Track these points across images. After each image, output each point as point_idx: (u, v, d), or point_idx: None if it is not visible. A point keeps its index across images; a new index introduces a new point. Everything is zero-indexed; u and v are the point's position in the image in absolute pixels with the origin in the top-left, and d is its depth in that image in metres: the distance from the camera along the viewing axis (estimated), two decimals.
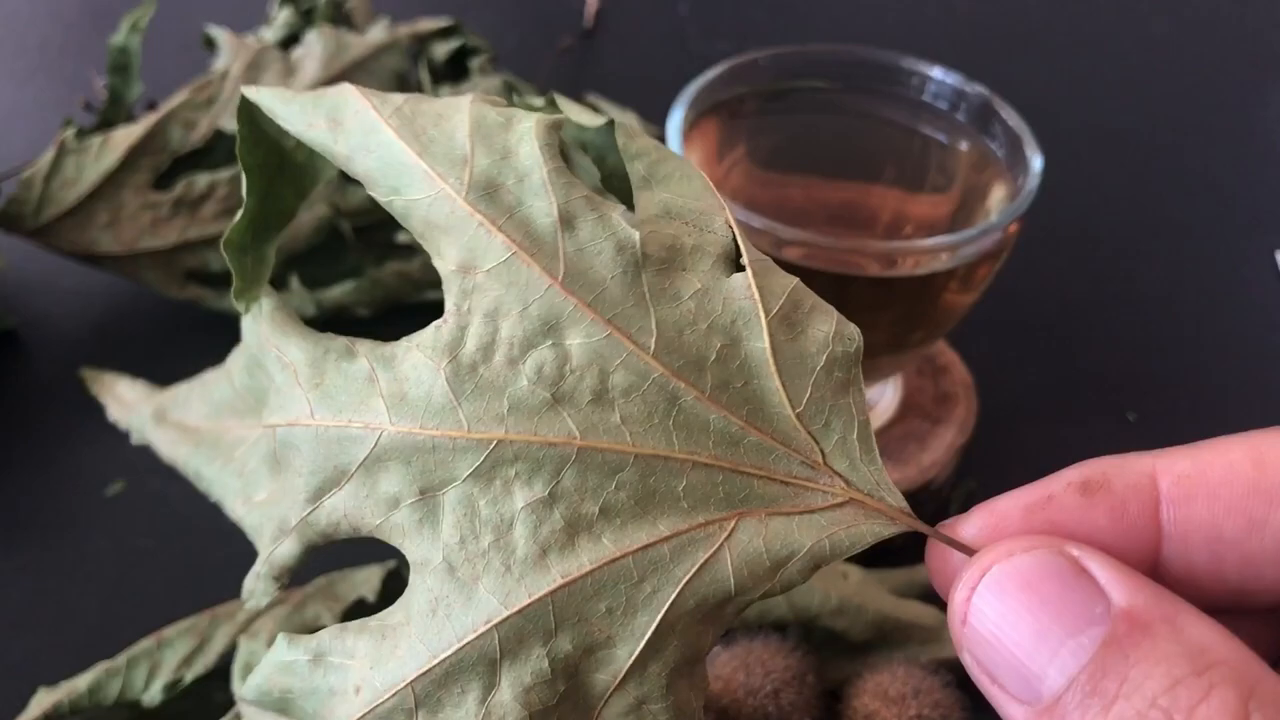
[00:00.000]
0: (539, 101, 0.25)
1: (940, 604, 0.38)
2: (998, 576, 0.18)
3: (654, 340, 0.20)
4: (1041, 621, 0.17)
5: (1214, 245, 0.60)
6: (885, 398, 0.46)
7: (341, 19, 0.55)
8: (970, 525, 0.20)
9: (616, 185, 0.24)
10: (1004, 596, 0.18)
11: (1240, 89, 0.73)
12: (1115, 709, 0.16)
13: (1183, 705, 0.16)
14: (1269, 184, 0.65)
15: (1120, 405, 0.51)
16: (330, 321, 0.51)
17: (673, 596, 0.19)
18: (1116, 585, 0.17)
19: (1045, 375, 0.52)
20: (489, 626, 0.19)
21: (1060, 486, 0.20)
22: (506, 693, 0.19)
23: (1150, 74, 0.74)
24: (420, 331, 0.21)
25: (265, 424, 0.23)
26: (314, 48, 0.51)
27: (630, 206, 0.21)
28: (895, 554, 0.37)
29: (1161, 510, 0.20)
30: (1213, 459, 0.20)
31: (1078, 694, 0.17)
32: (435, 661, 0.19)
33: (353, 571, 0.38)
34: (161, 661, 0.36)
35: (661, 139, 0.27)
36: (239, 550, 0.43)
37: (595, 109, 0.56)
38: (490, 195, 0.20)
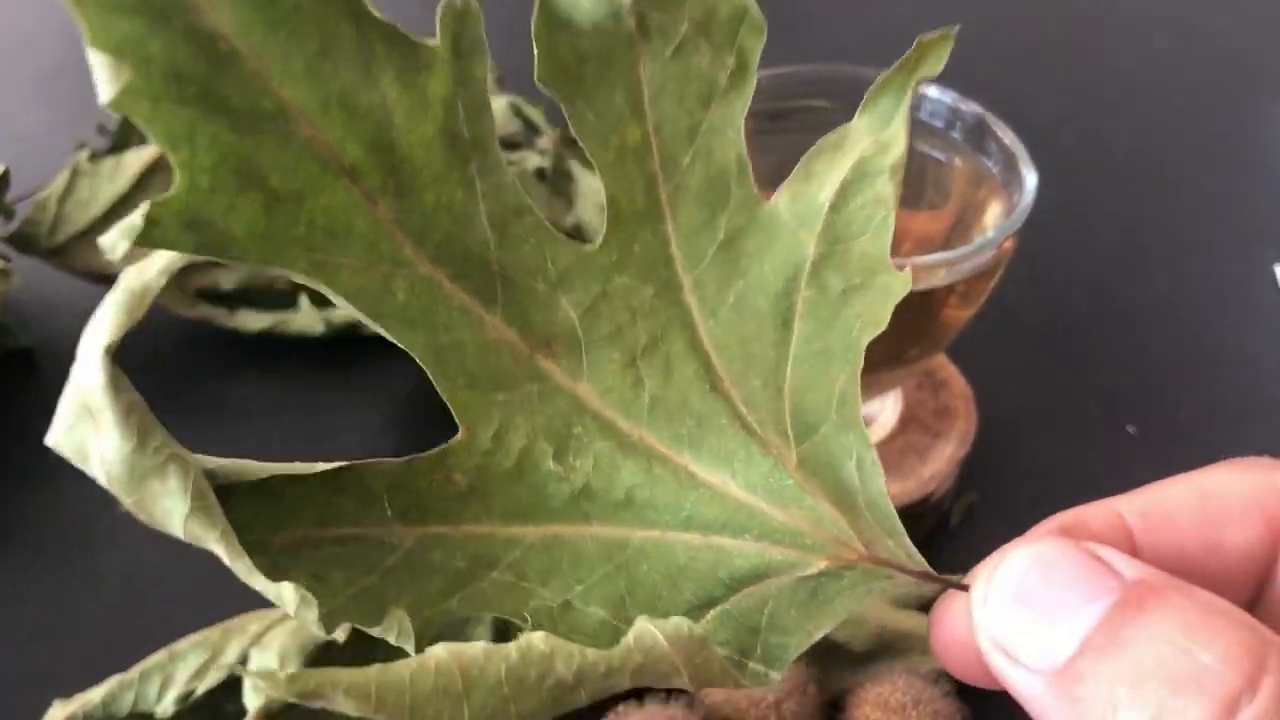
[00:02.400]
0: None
1: None
2: (1017, 559, 0.19)
3: None
4: (1059, 593, 0.18)
5: (1213, 259, 0.60)
6: (885, 412, 0.47)
7: None
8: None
9: None
10: (1023, 574, 0.19)
11: (1238, 104, 0.73)
12: (1132, 651, 0.17)
13: (1200, 639, 0.17)
14: (1268, 198, 0.65)
15: (1120, 418, 0.51)
16: (339, 339, 0.52)
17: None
18: (1127, 564, 0.18)
19: (1045, 388, 0.53)
20: None
21: (1043, 533, 0.21)
22: None
23: (1149, 90, 0.74)
24: None
25: None
26: None
27: None
28: None
29: (1136, 541, 0.21)
30: (1161, 494, 0.22)
31: (1094, 647, 0.17)
32: None
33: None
34: (174, 674, 0.36)
35: None
36: None
37: None
38: None
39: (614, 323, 0.21)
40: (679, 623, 0.19)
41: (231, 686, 0.36)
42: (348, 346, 0.53)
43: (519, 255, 0.21)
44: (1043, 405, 0.52)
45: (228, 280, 0.51)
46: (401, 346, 0.20)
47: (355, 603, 0.19)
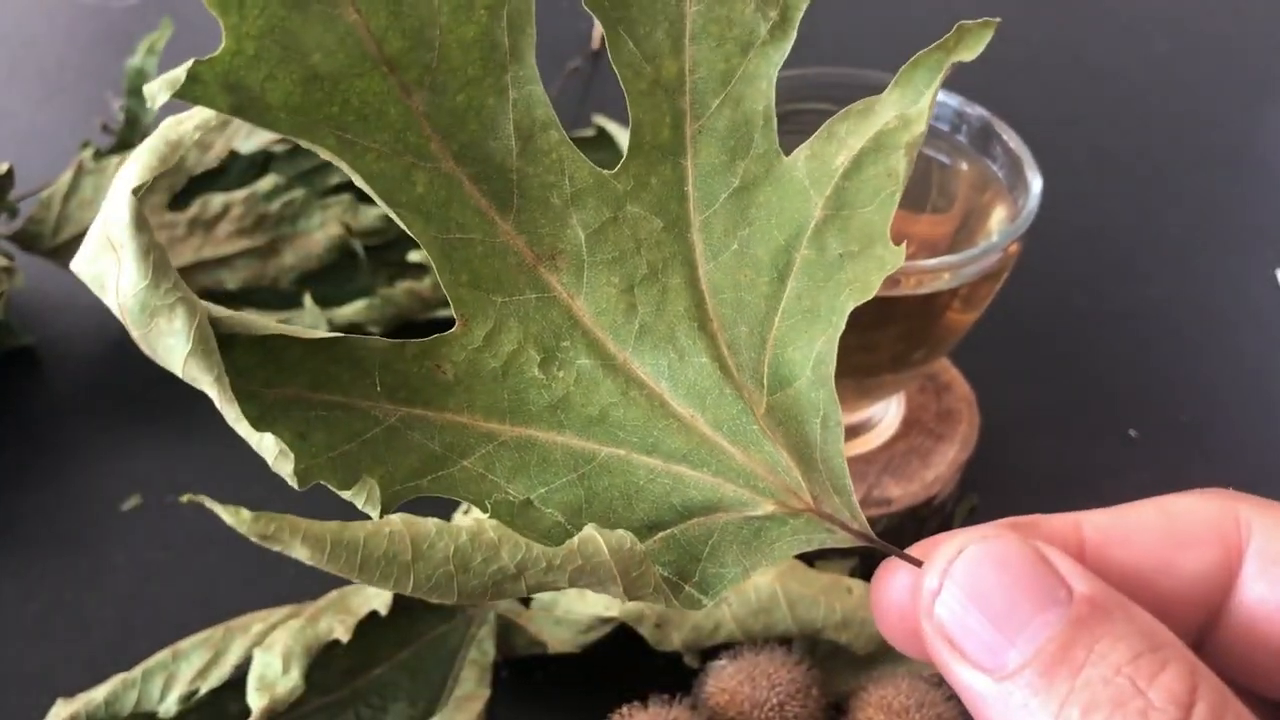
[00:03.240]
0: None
1: None
2: (974, 555, 0.20)
3: None
4: (1013, 596, 0.19)
5: (1214, 263, 0.61)
6: (888, 415, 0.47)
7: None
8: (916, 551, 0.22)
9: None
10: (980, 573, 0.20)
11: (1240, 108, 0.74)
12: (1083, 675, 0.18)
13: (1145, 674, 0.18)
14: (1268, 202, 0.65)
15: (1122, 422, 0.51)
16: None
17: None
18: (1075, 575, 0.19)
19: (1047, 392, 0.53)
20: None
21: (993, 527, 0.22)
22: None
23: (1150, 93, 0.74)
24: None
25: None
26: None
27: None
28: None
29: (1085, 555, 0.22)
30: (1127, 513, 0.23)
31: (1044, 662, 0.18)
32: None
33: (364, 585, 0.39)
34: (177, 673, 0.36)
35: None
36: (252, 564, 0.44)
37: (603, 129, 0.57)
38: None
39: (619, 248, 0.22)
40: (622, 535, 0.20)
41: (235, 686, 0.36)
42: None
43: (539, 168, 0.22)
44: (1045, 409, 0.52)
45: (232, 280, 0.51)
46: (411, 235, 0.21)
47: (332, 465, 0.20)
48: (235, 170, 0.52)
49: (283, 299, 0.52)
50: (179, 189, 0.51)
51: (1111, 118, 0.72)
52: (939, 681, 0.37)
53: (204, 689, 0.36)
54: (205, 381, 0.19)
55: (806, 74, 0.43)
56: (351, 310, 0.51)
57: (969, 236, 0.42)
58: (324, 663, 0.37)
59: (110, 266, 0.19)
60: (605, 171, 0.22)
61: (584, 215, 0.22)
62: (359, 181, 0.20)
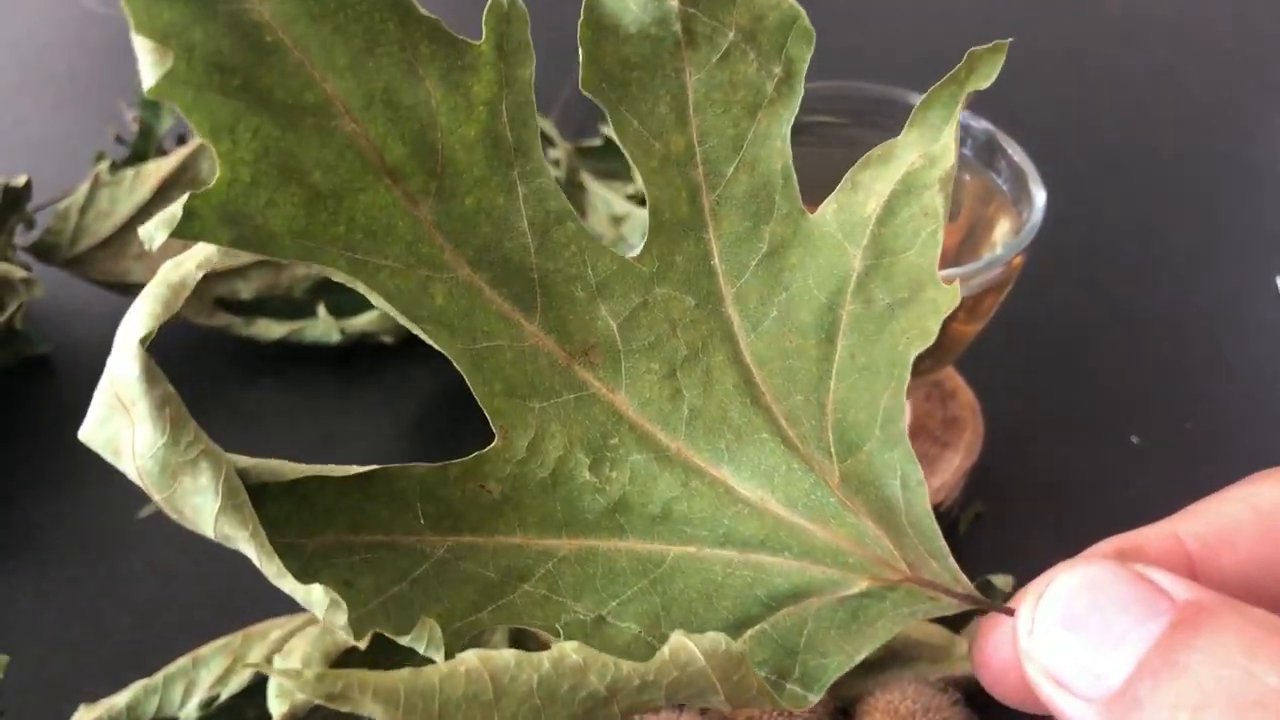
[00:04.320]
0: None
1: (951, 625, 0.39)
2: (1064, 582, 0.18)
3: None
4: (1108, 616, 0.18)
5: (1216, 270, 0.61)
6: None
7: None
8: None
9: None
10: (1071, 598, 0.18)
11: (1242, 115, 0.74)
12: (1190, 674, 0.16)
13: (1262, 659, 0.16)
14: (1271, 210, 0.65)
15: (1125, 429, 0.51)
16: (355, 347, 0.53)
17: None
18: (1178, 585, 0.18)
19: (1051, 399, 0.53)
20: None
21: (1098, 555, 0.21)
22: None
23: (1153, 101, 0.75)
24: None
25: None
26: None
27: None
28: None
29: (1195, 569, 0.21)
30: (1218, 514, 0.21)
31: (1149, 672, 0.17)
32: None
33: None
34: (197, 679, 0.37)
35: None
36: None
37: (610, 139, 0.58)
38: None
39: (654, 333, 0.21)
40: (716, 638, 0.18)
41: (254, 692, 0.36)
42: (363, 355, 0.53)
43: (559, 262, 0.20)
44: (1049, 416, 0.52)
45: (246, 289, 0.52)
46: (439, 350, 0.20)
47: (385, 610, 0.19)
48: None
49: (296, 308, 0.52)
50: None
51: (1114, 125, 0.72)
52: (945, 687, 0.37)
53: (224, 695, 0.36)
54: (240, 539, 0.17)
55: (814, 87, 0.43)
56: (365, 320, 0.51)
57: (974, 249, 0.42)
58: (341, 668, 0.37)
59: (124, 428, 0.17)
60: (628, 256, 0.21)
61: (612, 304, 0.21)
62: (378, 303, 0.19)
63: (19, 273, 0.48)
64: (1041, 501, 0.48)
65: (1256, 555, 0.21)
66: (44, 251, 0.51)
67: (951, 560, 0.20)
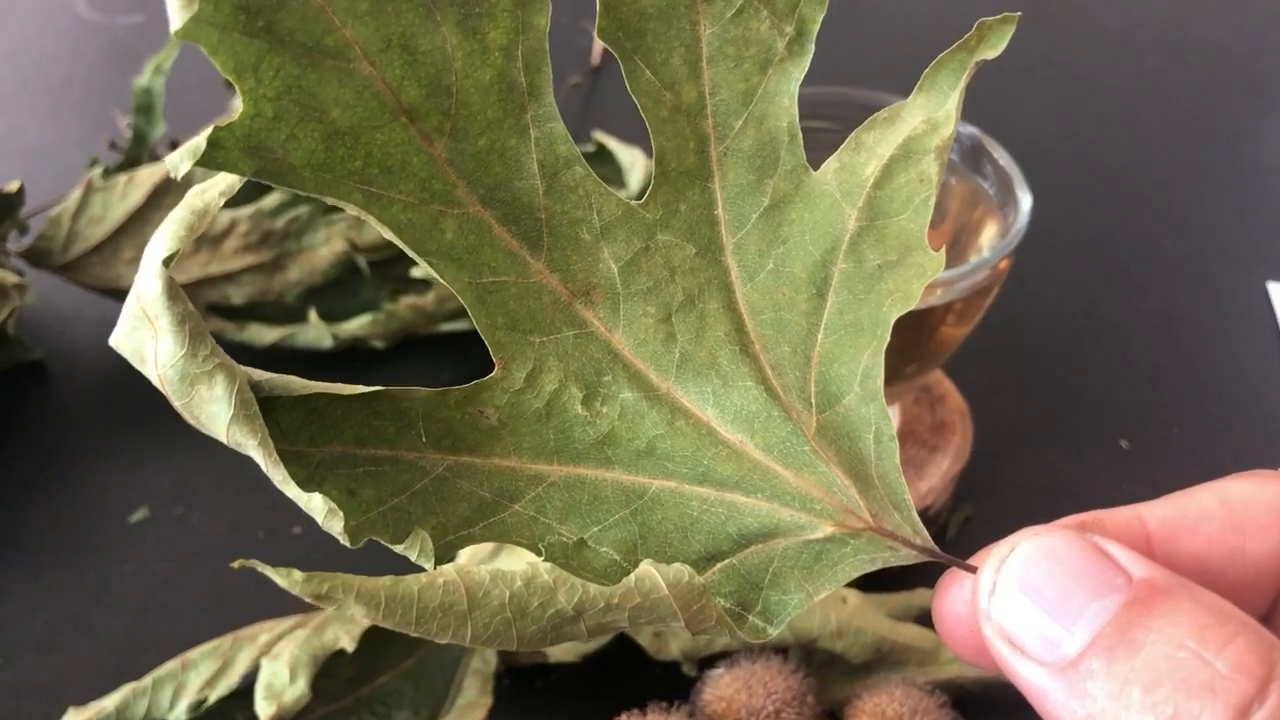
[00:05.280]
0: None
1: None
2: (1026, 550, 0.19)
3: None
4: (1066, 586, 0.18)
5: (1207, 276, 0.61)
6: None
7: None
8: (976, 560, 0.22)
9: None
10: (1032, 566, 0.19)
11: (1232, 123, 0.74)
12: (1143, 654, 0.17)
13: (1212, 645, 0.17)
14: (1260, 216, 0.66)
15: (1113, 433, 0.52)
16: (347, 353, 0.53)
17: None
18: (1133, 561, 0.19)
19: (1040, 404, 0.54)
20: None
21: (1050, 525, 0.21)
22: None
23: (1143, 108, 0.75)
24: None
25: None
26: None
27: None
28: (892, 579, 0.38)
29: (1154, 549, 0.22)
30: (1187, 503, 0.22)
31: (1102, 646, 0.18)
32: None
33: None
34: (186, 683, 0.37)
35: None
36: (257, 576, 0.44)
37: (603, 145, 0.58)
38: None
39: (653, 278, 0.22)
40: (680, 569, 0.19)
41: (243, 695, 0.36)
42: (355, 361, 0.53)
43: (566, 204, 0.21)
44: (1037, 420, 0.53)
45: (238, 295, 0.52)
46: (444, 283, 0.21)
47: (383, 519, 0.20)
48: (241, 187, 0.53)
49: (288, 314, 0.53)
50: None
51: (1104, 131, 0.73)
52: (933, 690, 0.37)
53: (212, 698, 0.36)
54: (250, 446, 0.19)
55: (806, 93, 0.43)
56: (356, 325, 0.52)
57: (961, 252, 0.43)
58: (329, 671, 0.37)
59: (147, 339, 0.19)
60: (633, 202, 0.22)
61: (615, 248, 0.22)
62: (388, 234, 0.20)
63: (11, 278, 0.49)
64: (1030, 505, 0.48)
65: (1220, 543, 0.22)
66: (37, 257, 0.51)
67: (914, 514, 0.21)
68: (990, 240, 0.41)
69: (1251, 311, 0.59)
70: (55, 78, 0.75)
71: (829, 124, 0.43)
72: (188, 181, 0.52)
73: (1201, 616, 0.17)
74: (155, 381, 0.19)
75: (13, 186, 0.50)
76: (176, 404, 0.19)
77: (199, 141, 0.18)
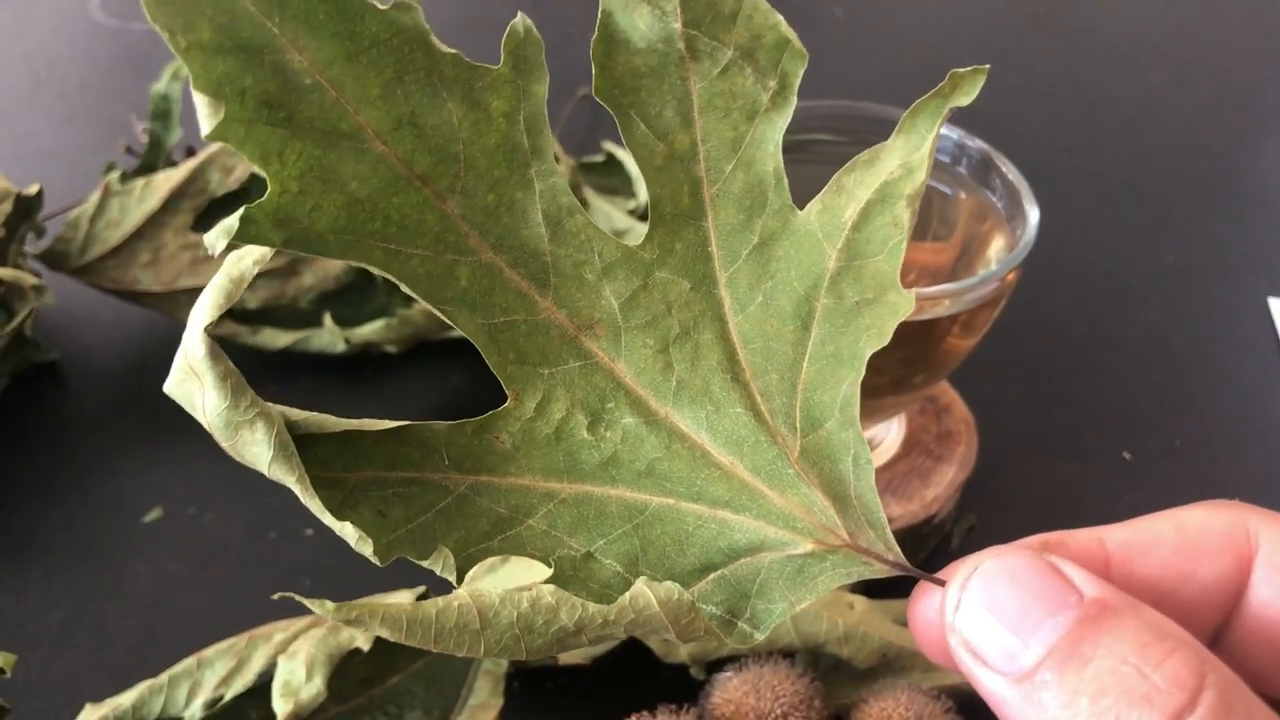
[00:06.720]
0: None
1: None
2: (989, 569, 0.21)
3: None
4: (1025, 603, 0.20)
5: (1209, 290, 0.62)
6: (889, 436, 0.48)
7: None
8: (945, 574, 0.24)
9: None
10: (994, 584, 0.21)
11: (1234, 137, 0.75)
12: (1091, 667, 0.19)
13: (1151, 661, 0.19)
14: (1262, 230, 0.67)
15: (1117, 444, 0.52)
16: (359, 357, 0.53)
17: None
18: (1088, 582, 0.21)
19: (1044, 415, 0.54)
20: None
21: (1023, 546, 0.23)
22: None
23: (1145, 122, 0.76)
24: None
25: None
26: None
27: None
28: (899, 586, 0.39)
29: (1110, 569, 0.24)
30: (1145, 528, 0.24)
31: (1056, 658, 0.20)
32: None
33: (385, 595, 0.40)
34: (202, 680, 0.37)
35: None
36: (272, 575, 0.45)
37: (612, 155, 0.58)
38: None
39: (651, 312, 0.24)
40: (670, 587, 0.21)
41: (259, 693, 0.37)
42: (367, 365, 0.54)
43: (569, 248, 0.23)
44: (1041, 431, 0.53)
45: (252, 299, 0.52)
46: (457, 328, 0.23)
47: (411, 537, 0.22)
48: (256, 192, 0.53)
49: (301, 318, 0.53)
50: (202, 210, 0.52)
51: (1108, 146, 0.74)
52: (938, 695, 0.38)
53: (228, 695, 0.37)
54: (289, 481, 0.21)
55: (813, 106, 0.44)
56: (369, 330, 0.52)
57: (969, 264, 0.43)
58: (342, 671, 0.38)
59: (195, 390, 0.21)
60: (631, 245, 0.24)
61: (616, 285, 0.23)
62: (405, 288, 0.22)
63: (29, 280, 0.49)
64: (1034, 515, 0.49)
65: (1173, 567, 0.24)
66: (54, 259, 0.52)
67: (888, 532, 0.23)
68: (998, 253, 0.42)
69: (1252, 326, 0.59)
70: (70, 82, 0.76)
71: (833, 136, 0.44)
72: (200, 192, 0.52)
73: (1144, 634, 0.19)
74: (204, 425, 0.21)
75: (32, 189, 0.51)
76: (224, 445, 0.21)
77: (231, 221, 0.20)
